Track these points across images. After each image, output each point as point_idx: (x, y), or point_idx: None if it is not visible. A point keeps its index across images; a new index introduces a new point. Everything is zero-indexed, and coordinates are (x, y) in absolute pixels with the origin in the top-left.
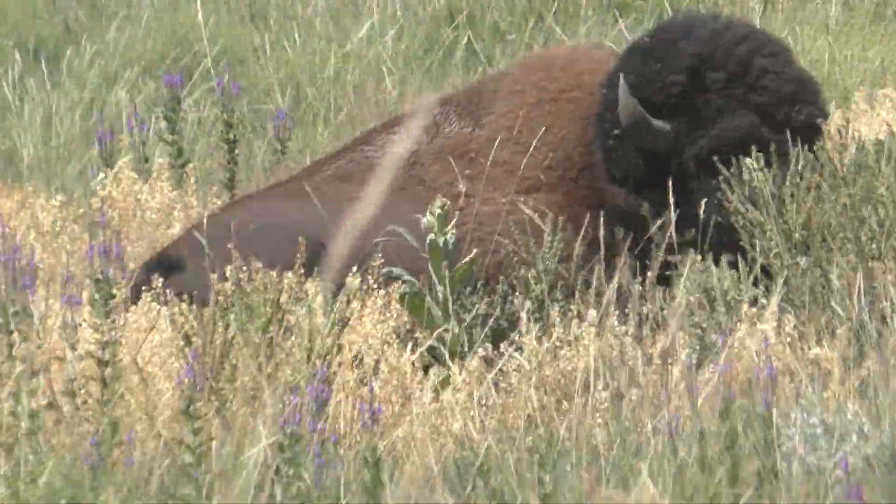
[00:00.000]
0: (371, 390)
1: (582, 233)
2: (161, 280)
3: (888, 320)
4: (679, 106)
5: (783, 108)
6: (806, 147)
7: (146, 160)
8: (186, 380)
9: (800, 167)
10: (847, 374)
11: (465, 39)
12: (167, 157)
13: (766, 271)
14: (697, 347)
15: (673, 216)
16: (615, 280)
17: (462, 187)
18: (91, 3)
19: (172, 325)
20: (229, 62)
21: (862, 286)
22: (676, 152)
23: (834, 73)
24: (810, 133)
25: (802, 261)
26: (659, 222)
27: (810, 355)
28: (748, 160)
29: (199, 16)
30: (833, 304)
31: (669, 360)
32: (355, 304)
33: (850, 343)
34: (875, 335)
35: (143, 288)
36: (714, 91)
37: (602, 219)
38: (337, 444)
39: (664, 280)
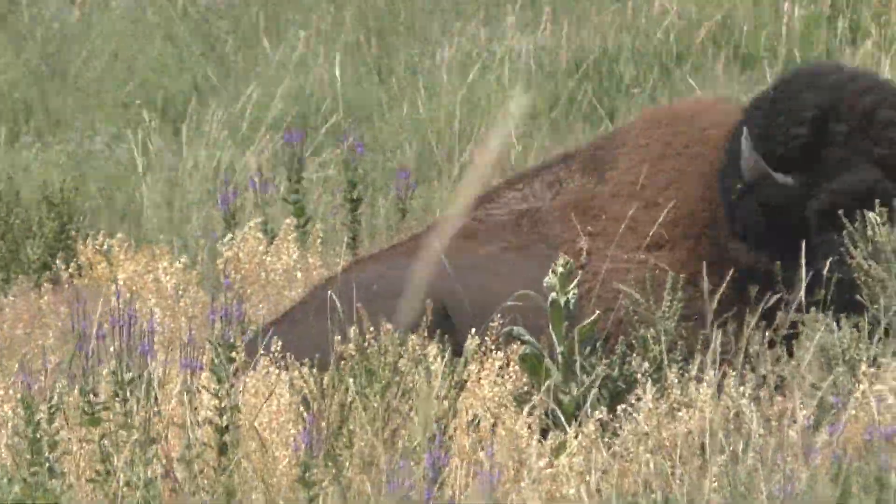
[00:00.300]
0: (489, 455)
1: (706, 292)
2: (280, 343)
3: None
4: (802, 159)
5: None
6: None
7: (267, 222)
8: (303, 445)
9: None
10: None
11: (590, 93)
12: (292, 217)
13: (888, 330)
14: (815, 408)
15: (803, 274)
16: (741, 340)
17: (584, 244)
18: (219, 59)
19: (291, 390)
20: (355, 119)
21: None
22: (799, 206)
23: None
24: None
25: None
26: (777, 278)
27: None
28: (871, 214)
29: (326, 74)
30: None
31: (787, 423)
32: (473, 367)
33: None
34: None
35: (262, 352)
36: (837, 144)
37: (727, 277)
38: None
39: (783, 339)
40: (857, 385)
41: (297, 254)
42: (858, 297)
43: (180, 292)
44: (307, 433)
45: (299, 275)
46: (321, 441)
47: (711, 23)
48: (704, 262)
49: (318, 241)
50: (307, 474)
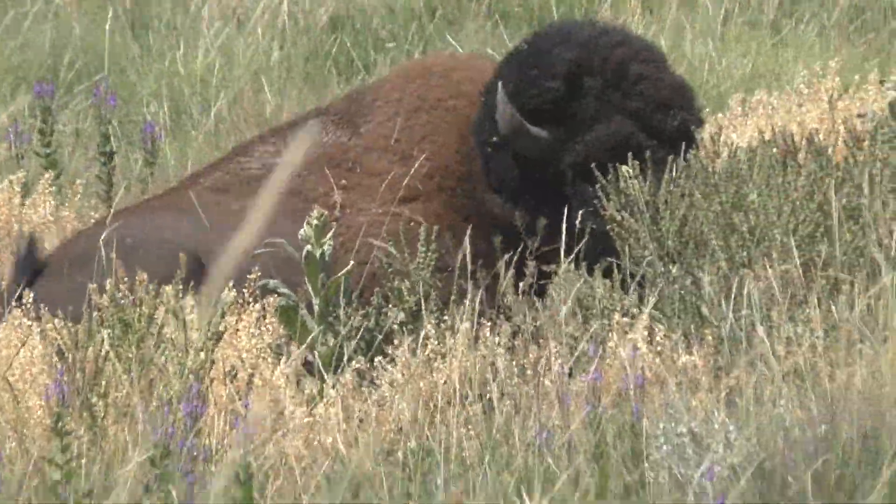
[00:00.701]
0: (247, 406)
1: (463, 242)
2: (33, 295)
3: (756, 328)
4: (556, 112)
5: (658, 114)
6: (681, 153)
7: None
8: (54, 395)
9: (674, 174)
10: (715, 382)
11: (346, 48)
12: (50, 171)
13: (641, 280)
14: (570, 358)
15: (563, 227)
16: (498, 290)
17: (339, 198)
18: None
19: (44, 342)
20: (110, 72)
21: (732, 294)
22: (554, 159)
23: (711, 80)
24: (685, 139)
25: (674, 269)
26: (535, 228)
27: (678, 364)
28: (624, 168)
29: (78, 27)
30: (703, 311)
31: (541, 371)
32: (230, 318)
33: (719, 351)
34: (744, 343)
35: (13, 303)
36: (591, 97)
37: (481, 228)
38: (208, 460)
39: (540, 290)
40: (610, 334)
41: (52, 207)
42: (612, 248)
43: None
44: (58, 384)
45: (53, 228)
46: (76, 391)
47: None
48: (460, 215)
49: (78, 196)
50: (59, 423)
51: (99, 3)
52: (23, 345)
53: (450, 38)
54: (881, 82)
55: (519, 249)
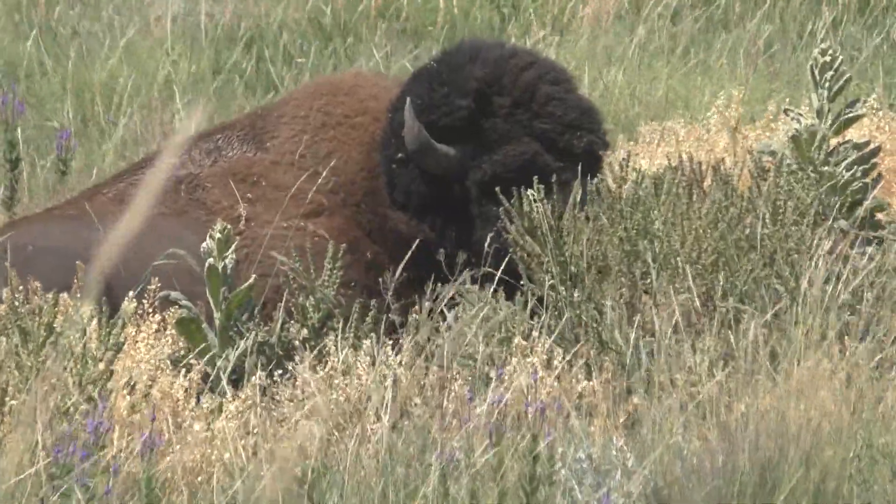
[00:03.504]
0: (153, 419)
1: (366, 257)
2: None
3: (655, 355)
4: (465, 130)
5: (566, 135)
6: (588, 176)
7: None
8: None
9: (579, 198)
10: (615, 408)
11: (254, 61)
12: None
13: (543, 302)
14: (471, 379)
15: (470, 243)
16: (403, 308)
17: (243, 211)
18: None
19: None
20: (15, 78)
21: (633, 321)
22: (460, 178)
23: (624, 107)
24: (591, 161)
25: (576, 293)
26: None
27: (578, 389)
28: (529, 191)
29: None
30: (604, 337)
31: (444, 392)
32: (130, 329)
33: (618, 377)
34: (644, 370)
35: None
36: (499, 116)
37: (385, 244)
38: (106, 472)
39: (446, 308)
40: (510, 357)
41: None
42: (515, 270)
43: None
44: None
45: None
46: None
47: None
48: (364, 230)
49: None
50: None
51: (7, 10)
52: None
53: (358, 56)
54: (785, 112)
55: (424, 267)
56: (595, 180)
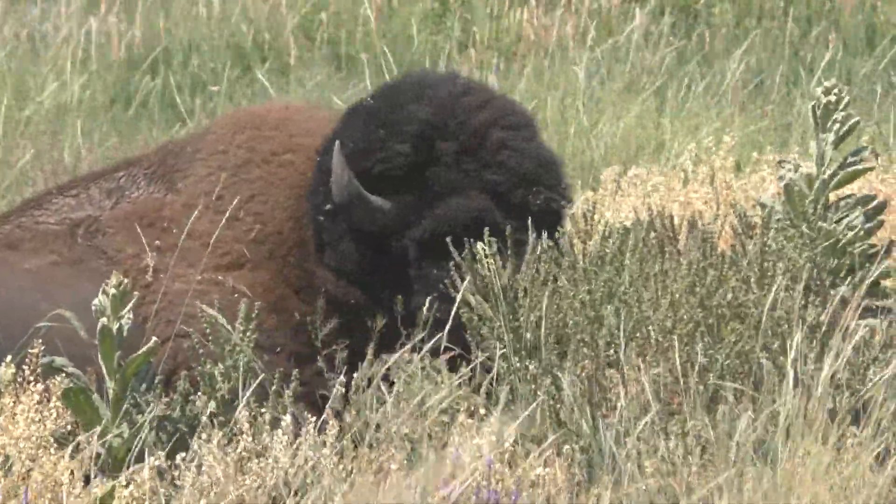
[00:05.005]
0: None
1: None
2: None
3: (622, 439)
4: (404, 180)
5: (520, 189)
6: (545, 234)
7: None
8: None
9: (536, 257)
10: (575, 499)
11: (160, 88)
12: None
13: (489, 372)
14: (407, 462)
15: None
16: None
17: (150, 261)
18: None
19: None
20: None
21: (597, 397)
22: (397, 235)
23: (583, 147)
24: (549, 219)
25: (532, 365)
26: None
27: (532, 476)
28: (480, 245)
29: None
30: (562, 416)
31: (378, 477)
32: (7, 400)
33: (580, 464)
34: (608, 456)
35: None
36: (443, 165)
37: (315, 303)
38: None
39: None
40: (452, 439)
41: None
42: (460, 338)
43: None
44: None
45: None
46: None
47: (298, 14)
48: (291, 287)
49: None
50: None
51: None
52: None
53: (285, 85)
54: (779, 163)
55: (357, 334)
56: (555, 237)
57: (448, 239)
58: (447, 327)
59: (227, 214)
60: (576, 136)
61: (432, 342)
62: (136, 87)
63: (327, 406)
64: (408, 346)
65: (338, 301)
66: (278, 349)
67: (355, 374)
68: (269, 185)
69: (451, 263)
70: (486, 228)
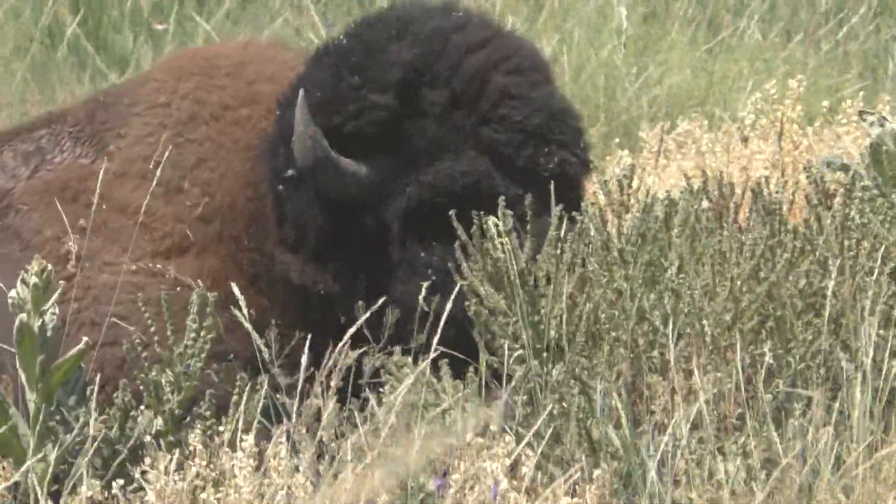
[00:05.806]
0: None
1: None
2: None
3: (667, 459)
4: (383, 139)
5: (526, 149)
6: (560, 206)
7: None
8: None
9: (560, 236)
10: None
11: (91, 27)
12: None
13: (499, 377)
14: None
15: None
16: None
17: (73, 245)
18: None
19: None
20: None
21: (636, 411)
22: (375, 206)
23: (616, 101)
24: (563, 186)
25: (556, 370)
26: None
27: None
28: (492, 220)
29: None
30: (594, 433)
31: None
32: None
33: (616, 491)
34: (652, 481)
35: None
36: (431, 119)
37: (275, 293)
38: None
39: (359, 388)
40: (458, 463)
41: None
42: (465, 336)
43: None
44: None
45: None
46: None
47: None
48: (246, 275)
49: None
50: None
51: None
52: None
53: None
54: (860, 115)
55: (328, 332)
56: (579, 207)
57: (452, 213)
58: (440, 325)
59: (168, 186)
60: (608, 84)
61: (432, 342)
62: (62, 26)
63: (297, 425)
64: (397, 349)
65: (305, 291)
66: (231, 356)
67: (332, 384)
68: (221, 148)
69: (457, 243)
70: (483, 199)
